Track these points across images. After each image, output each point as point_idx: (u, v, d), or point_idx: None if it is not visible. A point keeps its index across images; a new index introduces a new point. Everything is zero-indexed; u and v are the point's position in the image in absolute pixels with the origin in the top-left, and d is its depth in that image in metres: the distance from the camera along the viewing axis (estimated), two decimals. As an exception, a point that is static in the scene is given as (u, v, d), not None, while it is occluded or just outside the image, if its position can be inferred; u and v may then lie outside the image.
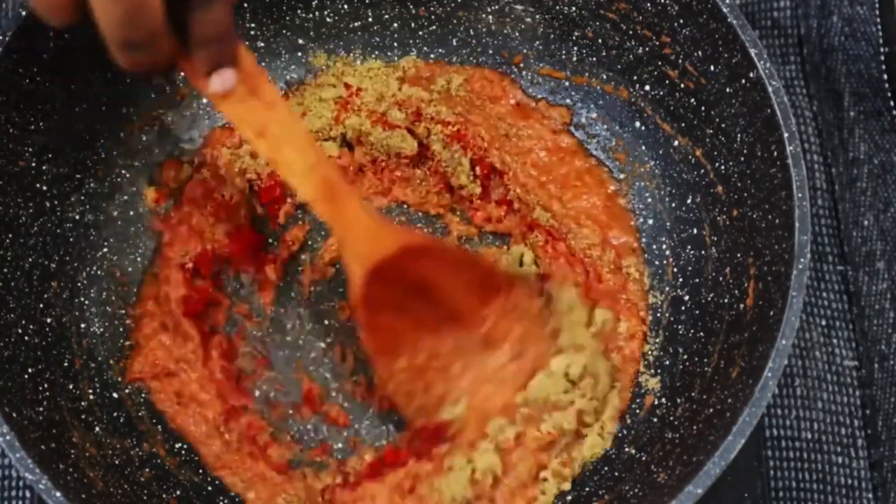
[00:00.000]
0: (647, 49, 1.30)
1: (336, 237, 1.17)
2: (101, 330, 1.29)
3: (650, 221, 1.35)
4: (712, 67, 1.22)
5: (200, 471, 1.27)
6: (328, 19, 1.39)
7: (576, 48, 1.37)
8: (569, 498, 1.24)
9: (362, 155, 1.38)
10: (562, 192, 1.36)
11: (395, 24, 1.40)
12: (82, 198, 1.29)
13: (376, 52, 1.42)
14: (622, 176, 1.37)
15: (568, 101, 1.39)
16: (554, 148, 1.38)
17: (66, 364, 1.23)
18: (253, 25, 1.38)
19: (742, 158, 1.21)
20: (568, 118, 1.39)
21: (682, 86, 1.28)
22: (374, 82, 1.39)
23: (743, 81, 1.18)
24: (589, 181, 1.37)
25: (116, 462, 1.20)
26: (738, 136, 1.21)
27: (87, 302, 1.28)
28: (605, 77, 1.37)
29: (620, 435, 1.27)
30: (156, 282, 1.32)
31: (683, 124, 1.30)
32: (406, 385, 1.25)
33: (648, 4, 1.26)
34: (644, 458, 1.22)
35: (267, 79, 1.09)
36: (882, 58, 1.33)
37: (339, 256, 1.27)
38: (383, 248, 1.16)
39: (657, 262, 1.34)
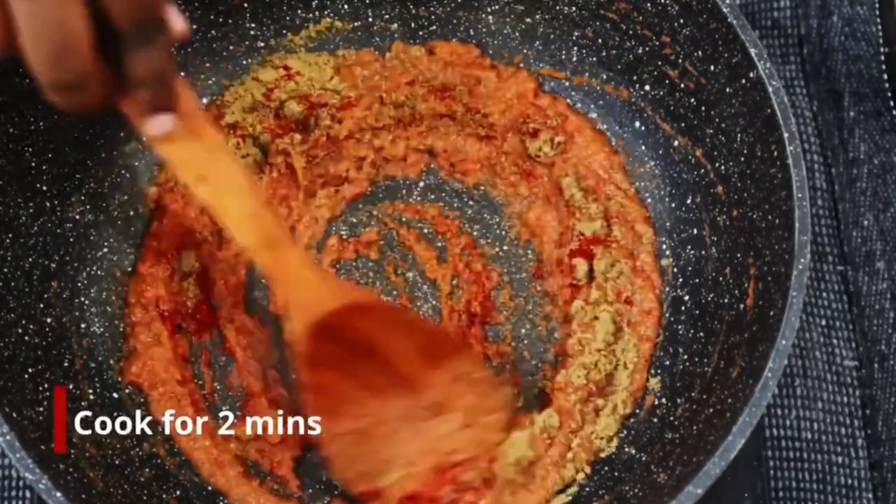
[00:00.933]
0: (647, 49, 1.30)
1: (276, 289, 1.16)
2: (101, 330, 1.29)
3: (650, 221, 1.36)
4: (712, 67, 1.22)
5: (196, 478, 1.26)
6: (327, 19, 1.40)
7: (576, 48, 1.38)
8: (569, 498, 1.24)
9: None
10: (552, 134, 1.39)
11: (395, 25, 1.41)
12: (82, 198, 1.29)
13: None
14: (622, 176, 1.38)
15: (568, 101, 1.39)
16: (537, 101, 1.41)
17: (66, 364, 1.22)
18: (253, 25, 1.38)
19: (742, 158, 1.21)
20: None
21: (682, 86, 1.28)
22: (311, 69, 1.40)
23: (743, 81, 1.18)
24: (589, 136, 1.39)
25: (116, 462, 1.20)
26: (738, 136, 1.21)
27: (87, 302, 1.28)
28: (605, 77, 1.37)
29: (621, 435, 1.27)
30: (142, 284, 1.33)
31: (683, 124, 1.30)
32: (349, 449, 1.21)
33: (648, 4, 1.26)
34: (644, 459, 1.22)
35: (208, 122, 1.06)
36: (882, 58, 1.33)
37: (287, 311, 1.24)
38: (326, 303, 1.14)
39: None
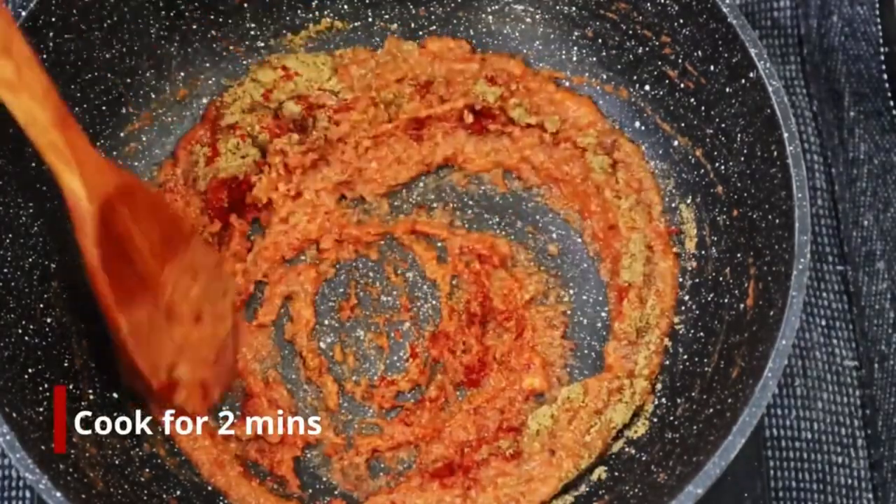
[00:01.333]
0: (646, 49, 1.30)
1: (70, 170, 1.09)
2: (101, 330, 1.28)
3: (650, 222, 1.36)
4: (712, 67, 1.22)
5: (198, 477, 1.27)
6: (327, 19, 1.40)
7: (576, 48, 1.38)
8: (570, 499, 1.24)
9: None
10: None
11: (395, 25, 1.41)
12: (83, 198, 1.28)
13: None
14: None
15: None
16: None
17: (66, 364, 1.22)
18: (253, 26, 1.38)
19: (742, 158, 1.21)
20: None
21: (682, 86, 1.28)
22: (309, 69, 1.39)
23: (743, 81, 1.18)
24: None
25: (116, 462, 1.20)
26: (738, 136, 1.21)
27: (87, 302, 1.28)
28: (605, 77, 1.37)
29: (627, 433, 1.27)
30: None
31: (683, 124, 1.30)
32: (139, 347, 1.20)
33: (648, 4, 1.26)
34: (644, 458, 1.22)
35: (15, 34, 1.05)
36: (882, 58, 1.33)
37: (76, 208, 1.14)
38: (109, 179, 1.12)
39: (657, 263, 1.34)
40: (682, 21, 1.24)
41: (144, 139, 1.35)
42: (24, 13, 1.15)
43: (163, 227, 1.21)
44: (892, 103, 1.33)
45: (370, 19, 1.41)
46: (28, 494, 1.29)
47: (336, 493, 1.28)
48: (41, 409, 1.14)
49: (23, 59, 1.05)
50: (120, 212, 1.14)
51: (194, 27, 1.34)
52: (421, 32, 1.41)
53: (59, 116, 1.07)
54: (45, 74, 1.07)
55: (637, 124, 1.36)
